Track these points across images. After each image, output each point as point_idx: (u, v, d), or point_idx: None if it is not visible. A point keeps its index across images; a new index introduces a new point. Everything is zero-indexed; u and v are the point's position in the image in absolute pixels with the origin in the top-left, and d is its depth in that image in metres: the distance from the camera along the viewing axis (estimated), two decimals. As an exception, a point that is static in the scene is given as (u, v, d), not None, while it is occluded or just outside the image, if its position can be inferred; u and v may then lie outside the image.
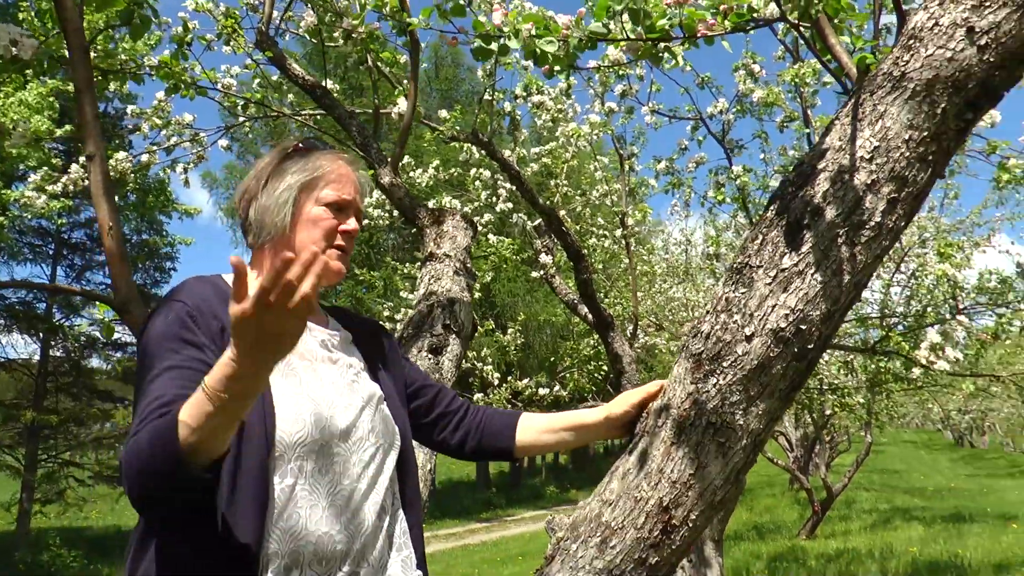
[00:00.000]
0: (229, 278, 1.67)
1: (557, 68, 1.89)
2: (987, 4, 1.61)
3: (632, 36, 1.77)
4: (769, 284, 1.65)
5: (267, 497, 1.46)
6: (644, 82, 6.36)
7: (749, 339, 1.63)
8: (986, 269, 6.21)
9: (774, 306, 1.63)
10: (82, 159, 4.63)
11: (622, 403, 1.87)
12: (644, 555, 1.62)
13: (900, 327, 6.72)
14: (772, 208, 1.73)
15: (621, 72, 6.29)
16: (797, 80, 5.66)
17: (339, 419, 1.58)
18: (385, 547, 1.63)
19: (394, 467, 1.70)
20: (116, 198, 4.79)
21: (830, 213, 1.63)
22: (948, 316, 5.96)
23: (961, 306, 6.01)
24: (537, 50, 1.78)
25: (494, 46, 1.82)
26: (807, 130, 6.11)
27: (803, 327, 1.62)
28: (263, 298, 1.17)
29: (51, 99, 14.34)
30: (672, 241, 11.71)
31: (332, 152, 1.80)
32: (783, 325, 1.62)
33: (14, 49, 2.55)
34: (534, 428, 1.96)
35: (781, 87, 5.88)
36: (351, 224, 1.73)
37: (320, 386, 1.61)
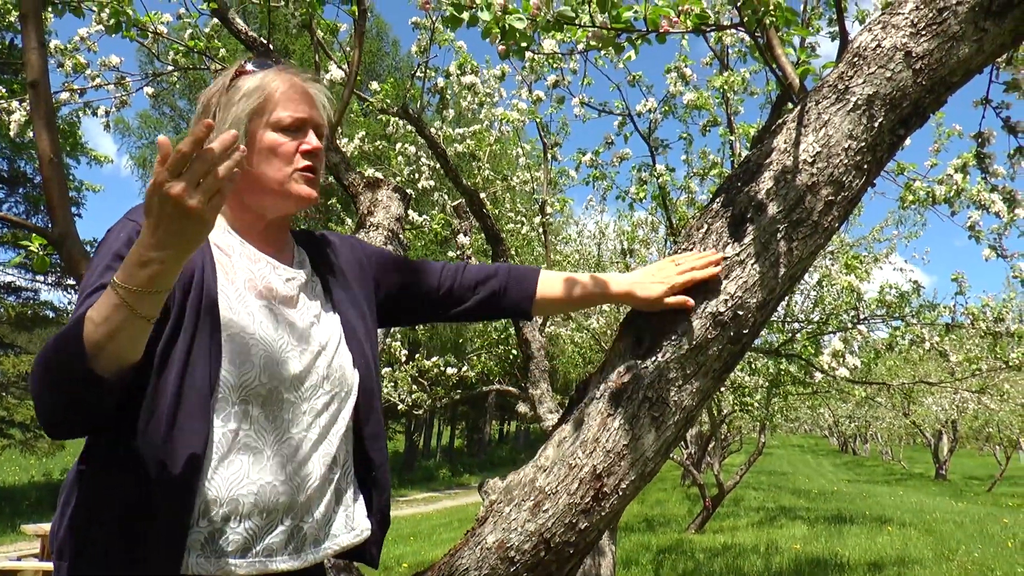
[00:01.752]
0: None
1: (514, 48, 1.94)
2: (923, 32, 1.74)
3: (598, 24, 1.84)
4: (712, 271, 1.76)
5: (207, 439, 1.39)
6: (577, 75, 6.47)
7: (690, 320, 1.73)
8: (886, 283, 6.50)
9: (716, 292, 1.73)
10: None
11: (650, 290, 1.78)
12: (575, 520, 1.69)
13: (802, 332, 6.99)
14: (718, 200, 1.83)
15: (554, 64, 6.38)
16: (726, 87, 5.83)
17: (291, 365, 1.52)
18: (332, 501, 1.58)
19: (349, 418, 1.64)
20: (21, 135, 4.67)
21: (772, 209, 1.74)
22: (849, 325, 6.23)
23: (861, 316, 6.29)
24: (506, 25, 1.83)
25: (465, 15, 1.86)
26: (731, 137, 6.30)
27: (740, 313, 1.72)
28: (180, 163, 1.13)
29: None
30: (586, 233, 11.88)
31: (281, 68, 1.68)
32: (722, 310, 1.72)
33: (-42, -29, 2.48)
34: (552, 290, 1.91)
35: (710, 92, 6.04)
36: (312, 141, 1.63)
37: (275, 328, 1.54)
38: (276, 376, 1.49)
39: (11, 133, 4.79)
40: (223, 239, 1.60)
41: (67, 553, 1.40)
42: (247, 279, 1.57)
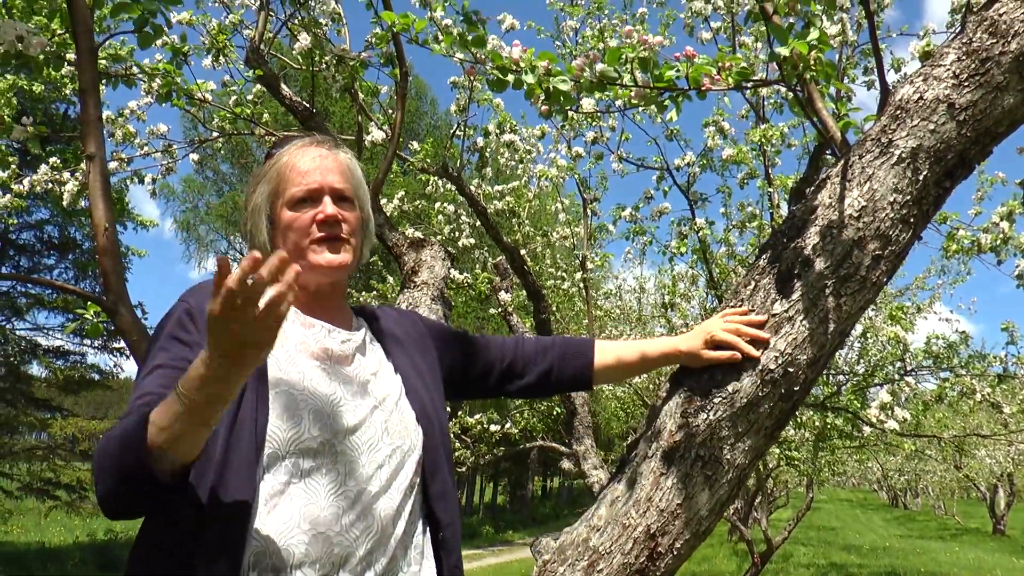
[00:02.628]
0: None
1: (556, 108, 1.98)
2: (966, 83, 1.74)
3: (640, 83, 1.87)
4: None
5: (253, 495, 1.41)
6: (615, 131, 6.54)
7: (740, 378, 1.72)
8: (933, 333, 6.41)
9: (765, 348, 1.72)
10: (83, 165, 4.62)
11: (692, 342, 1.83)
12: (629, 580, 1.68)
13: (848, 384, 6.89)
14: (764, 256, 1.83)
15: (593, 121, 6.46)
16: (764, 140, 5.85)
17: (345, 418, 1.54)
18: (398, 558, 1.57)
19: (416, 471, 1.64)
20: (73, 204, 4.80)
21: (819, 265, 1.74)
22: (896, 377, 6.14)
23: (908, 368, 6.20)
24: (550, 87, 1.86)
25: (510, 78, 1.90)
26: (769, 189, 6.30)
27: (791, 370, 1.71)
28: (230, 300, 1.14)
29: (10, 96, 14.18)
30: (625, 288, 11.87)
31: (299, 141, 1.72)
32: (772, 367, 1.71)
33: (19, 45, 2.57)
34: (608, 358, 1.94)
35: (748, 145, 6.06)
36: (326, 209, 1.63)
37: (327, 384, 1.56)
38: (328, 429, 1.51)
39: (64, 203, 4.92)
40: None
41: None
42: (299, 342, 1.61)
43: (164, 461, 1.30)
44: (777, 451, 9.59)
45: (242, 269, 1.14)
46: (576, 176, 7.22)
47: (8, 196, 5.12)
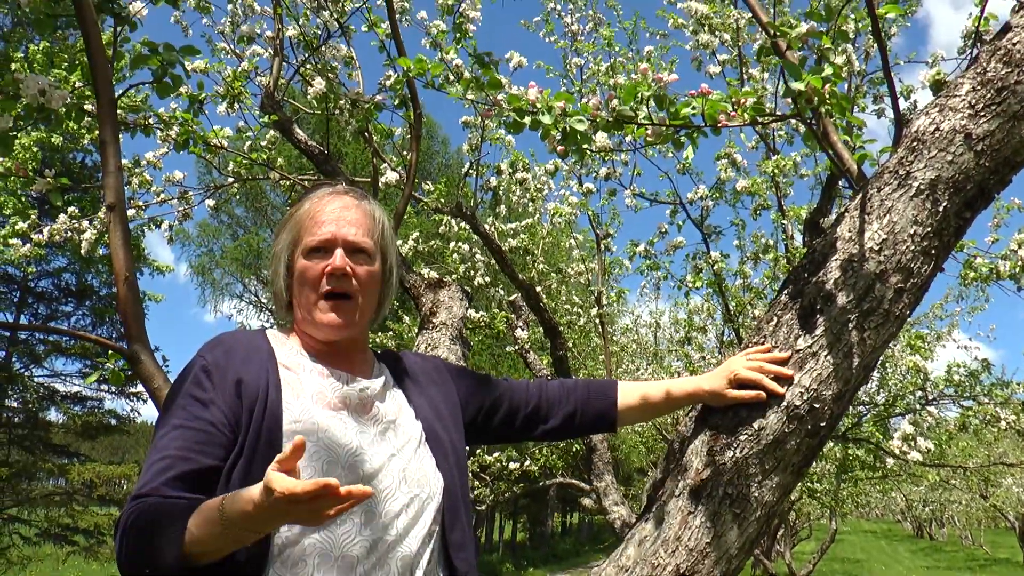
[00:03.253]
0: (272, 334, 1.70)
1: (573, 148, 1.99)
2: (982, 113, 1.74)
3: (656, 121, 1.88)
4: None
5: (267, 544, 1.42)
6: (627, 165, 6.57)
7: (766, 415, 1.71)
8: (954, 362, 6.36)
9: (790, 384, 1.71)
10: (103, 211, 4.67)
11: (715, 382, 1.83)
12: (659, 620, 1.66)
13: (869, 415, 6.83)
14: (785, 292, 1.83)
15: (606, 156, 6.49)
16: (776, 171, 5.86)
17: (361, 467, 1.52)
18: None
19: (435, 519, 1.61)
20: (91, 252, 4.84)
21: (842, 299, 1.73)
22: (918, 406, 6.09)
23: (930, 397, 6.15)
24: (566, 127, 1.88)
25: (527, 120, 1.91)
26: (783, 220, 6.30)
27: (817, 405, 1.70)
28: (293, 499, 1.16)
29: (35, 150, 14.35)
30: (641, 322, 11.86)
31: (325, 189, 1.72)
32: (798, 403, 1.70)
33: (42, 99, 2.61)
34: (631, 399, 1.94)
35: (762, 177, 6.07)
36: (334, 261, 1.62)
37: (342, 434, 1.54)
38: (345, 479, 1.48)
39: (82, 251, 4.97)
40: (293, 359, 1.65)
41: None
42: (316, 392, 1.60)
43: (193, 560, 1.33)
44: (800, 483, 9.51)
45: (313, 494, 1.15)
46: (588, 212, 7.25)
47: (28, 246, 5.17)
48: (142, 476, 1.44)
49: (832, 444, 7.39)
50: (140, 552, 1.36)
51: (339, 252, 1.63)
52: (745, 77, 6.01)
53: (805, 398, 1.71)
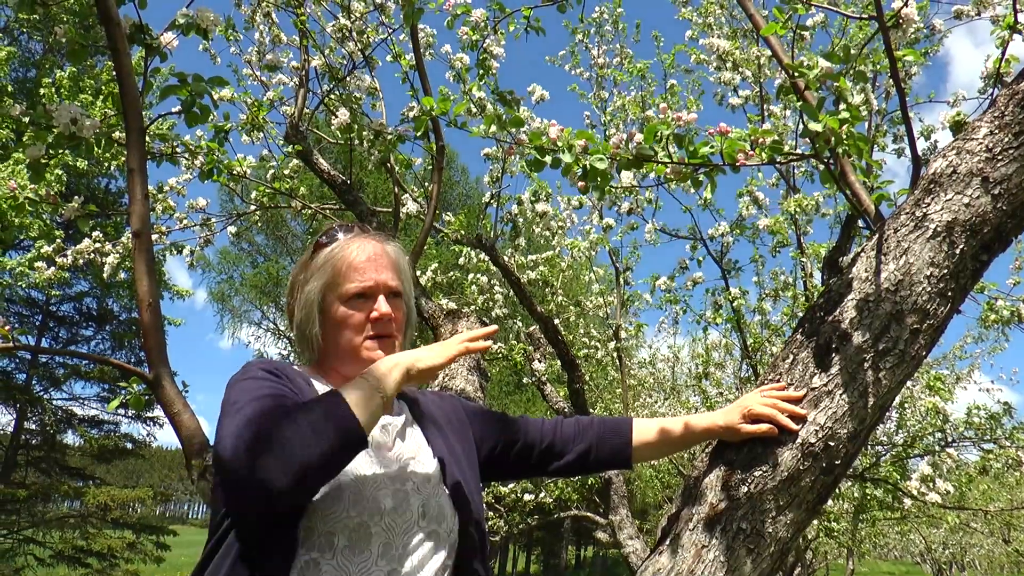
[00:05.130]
0: (298, 368, 1.73)
1: (592, 185, 2.01)
2: (999, 157, 1.75)
3: (675, 160, 1.91)
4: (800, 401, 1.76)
5: (289, 565, 1.44)
6: (651, 203, 6.61)
7: (780, 452, 1.72)
8: (974, 404, 6.31)
9: (805, 422, 1.72)
10: (127, 233, 4.73)
11: (730, 416, 1.85)
12: (672, 655, 1.66)
13: (887, 456, 6.78)
14: (801, 330, 1.84)
15: (628, 192, 6.52)
16: (799, 210, 5.87)
17: (383, 502, 1.54)
18: None
19: (450, 555, 1.64)
20: (113, 276, 4.90)
21: (857, 339, 1.74)
22: (937, 448, 6.03)
23: (949, 439, 6.09)
24: (587, 165, 1.90)
25: (548, 158, 1.95)
26: (802, 258, 6.31)
27: (831, 444, 1.71)
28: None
29: (59, 172, 14.55)
30: (659, 357, 11.82)
31: (352, 236, 1.78)
32: (812, 440, 1.71)
33: (73, 128, 2.67)
34: (646, 436, 1.97)
35: (784, 215, 6.07)
36: (380, 307, 1.70)
37: (367, 468, 1.58)
38: (366, 511, 1.52)
39: (104, 274, 5.03)
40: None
41: None
42: None
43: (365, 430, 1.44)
44: (816, 522, 9.42)
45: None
46: (607, 247, 7.27)
47: (52, 269, 5.23)
48: (238, 419, 1.41)
49: (850, 484, 7.33)
50: (324, 447, 1.36)
51: (382, 299, 1.71)
52: (766, 113, 6.04)
53: (820, 436, 1.71)
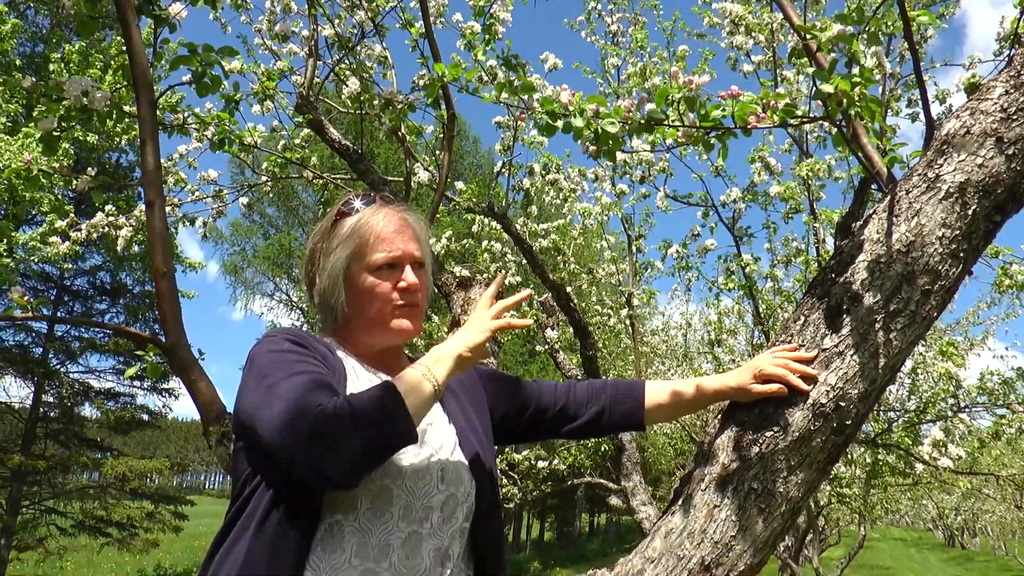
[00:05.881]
0: (318, 337, 1.76)
1: (604, 150, 2.01)
2: (1014, 117, 1.74)
3: (687, 123, 1.91)
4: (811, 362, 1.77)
5: (313, 528, 1.50)
6: (664, 172, 6.59)
7: (792, 412, 1.73)
8: (987, 369, 6.30)
9: (816, 382, 1.73)
10: (140, 206, 4.75)
11: (741, 377, 1.86)
12: (684, 612, 1.69)
13: (900, 421, 6.78)
14: (813, 292, 1.85)
15: (640, 160, 6.50)
16: (811, 174, 5.84)
17: (403, 465, 1.59)
18: None
19: (466, 517, 1.69)
20: (127, 249, 4.92)
21: (868, 300, 1.75)
22: (949, 413, 6.03)
23: (962, 404, 6.09)
24: (599, 129, 1.91)
25: (559, 123, 1.95)
26: (815, 223, 6.28)
27: (842, 404, 1.72)
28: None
29: (67, 146, 14.56)
30: (672, 324, 11.84)
31: (376, 206, 1.79)
32: (823, 401, 1.72)
33: (85, 100, 2.69)
34: (659, 398, 2.00)
35: (796, 181, 6.04)
36: (408, 278, 1.72)
37: None
38: (388, 475, 1.57)
39: (118, 247, 5.06)
40: (347, 362, 1.73)
41: None
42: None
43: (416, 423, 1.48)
44: (828, 488, 9.44)
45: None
46: (620, 213, 7.26)
47: (67, 243, 5.26)
48: (280, 404, 1.44)
49: (862, 450, 7.35)
50: (373, 435, 1.41)
51: (409, 269, 1.74)
52: (779, 79, 6.00)
53: (831, 396, 1.73)
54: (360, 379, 1.69)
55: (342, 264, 1.74)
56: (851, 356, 1.73)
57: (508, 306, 1.61)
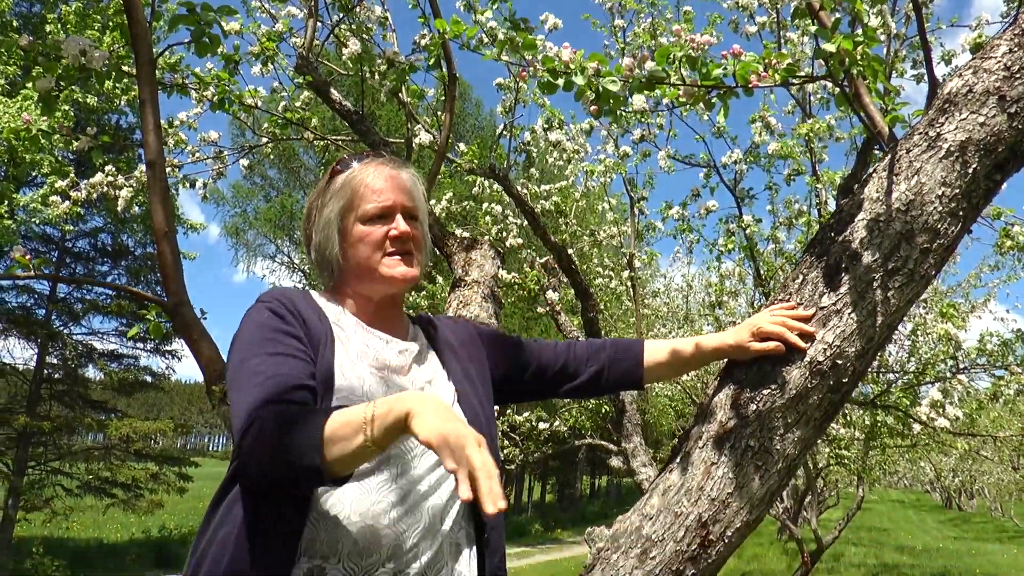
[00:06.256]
0: (315, 294, 1.80)
1: (605, 108, 2.01)
2: (1018, 75, 1.73)
3: (688, 82, 1.90)
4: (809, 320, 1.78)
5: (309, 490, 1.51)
6: (662, 129, 6.54)
7: (789, 370, 1.75)
8: (987, 331, 6.30)
9: (813, 340, 1.75)
10: (140, 167, 4.74)
11: (739, 335, 1.87)
12: (682, 567, 1.72)
13: (898, 383, 6.80)
14: (812, 251, 1.85)
15: (641, 118, 6.45)
16: (812, 134, 5.81)
17: None
18: (443, 554, 1.62)
19: None
20: (127, 210, 4.92)
21: (867, 258, 1.75)
22: (948, 375, 6.05)
23: (961, 366, 6.11)
24: (599, 88, 1.90)
25: (560, 81, 1.95)
26: (817, 185, 6.26)
27: (839, 362, 1.74)
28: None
29: (67, 108, 14.47)
30: (673, 286, 11.84)
31: (368, 160, 1.81)
32: (821, 359, 1.74)
33: (83, 59, 2.67)
34: (658, 356, 2.01)
35: (796, 140, 6.01)
36: (399, 226, 1.74)
37: (383, 391, 1.62)
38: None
39: (119, 207, 5.05)
40: (342, 319, 1.75)
41: None
42: (360, 351, 1.69)
43: (328, 470, 1.40)
44: (827, 450, 9.50)
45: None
46: (623, 174, 7.22)
47: (67, 203, 5.25)
48: (250, 396, 1.48)
49: (861, 411, 7.38)
50: (277, 456, 1.40)
51: (399, 218, 1.75)
52: (782, 40, 5.95)
53: (828, 354, 1.74)
54: (352, 340, 1.70)
55: (335, 216, 1.76)
56: (849, 314, 1.74)
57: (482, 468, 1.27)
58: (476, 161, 5.85)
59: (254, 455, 1.43)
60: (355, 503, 1.53)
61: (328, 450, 1.37)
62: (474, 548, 1.72)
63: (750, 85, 1.86)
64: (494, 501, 1.24)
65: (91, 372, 23.45)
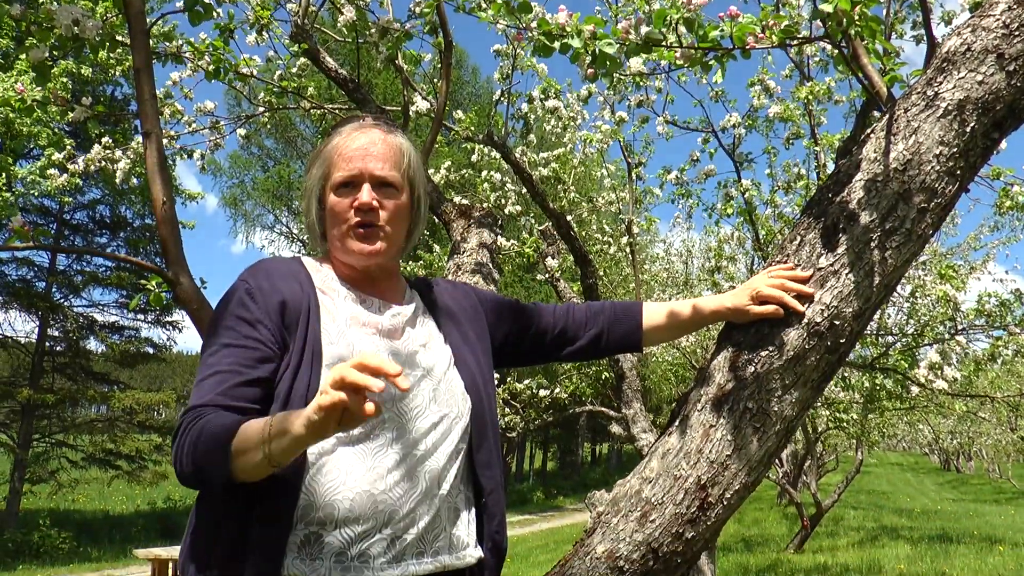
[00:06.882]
0: (307, 260, 1.78)
1: (601, 71, 2.00)
2: (1016, 33, 1.72)
3: (684, 44, 1.89)
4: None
5: (303, 456, 1.50)
6: (660, 93, 6.50)
7: (787, 331, 1.75)
8: (985, 292, 6.31)
9: (811, 301, 1.75)
10: (137, 139, 4.71)
11: (738, 299, 1.86)
12: (681, 530, 1.73)
13: (897, 345, 6.82)
14: (809, 212, 1.85)
15: (639, 82, 6.41)
16: (811, 97, 5.78)
17: (391, 387, 1.51)
18: (441, 519, 1.63)
19: (462, 438, 1.70)
20: (125, 181, 4.90)
21: (864, 218, 1.75)
22: (947, 336, 6.07)
23: (959, 327, 6.12)
24: (596, 51, 1.89)
25: (556, 44, 1.93)
26: (816, 148, 6.24)
27: (837, 322, 1.74)
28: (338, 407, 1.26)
29: (64, 80, 14.33)
30: (673, 252, 11.83)
31: (355, 124, 1.76)
32: (818, 320, 1.74)
33: (75, 29, 2.65)
34: (656, 319, 2.01)
35: (796, 103, 5.98)
36: (360, 197, 1.68)
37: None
38: (377, 397, 1.50)
39: (117, 180, 5.03)
40: (330, 285, 1.73)
41: (187, 567, 1.56)
42: (349, 316, 1.68)
43: (238, 474, 1.44)
44: (826, 413, 9.55)
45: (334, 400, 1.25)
46: (620, 140, 7.19)
47: (65, 176, 5.24)
48: (195, 392, 1.54)
49: (860, 374, 7.41)
50: (194, 465, 1.46)
51: (366, 187, 1.69)
52: (780, 3, 5.90)
53: (826, 315, 1.74)
54: (340, 306, 1.69)
55: (316, 184, 1.75)
56: (846, 275, 1.75)
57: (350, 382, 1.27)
58: (474, 128, 5.83)
59: (177, 458, 1.49)
60: (351, 469, 1.53)
61: (235, 462, 1.41)
62: (473, 511, 1.73)
63: (747, 47, 1.85)
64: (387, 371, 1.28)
65: (92, 344, 23.57)
